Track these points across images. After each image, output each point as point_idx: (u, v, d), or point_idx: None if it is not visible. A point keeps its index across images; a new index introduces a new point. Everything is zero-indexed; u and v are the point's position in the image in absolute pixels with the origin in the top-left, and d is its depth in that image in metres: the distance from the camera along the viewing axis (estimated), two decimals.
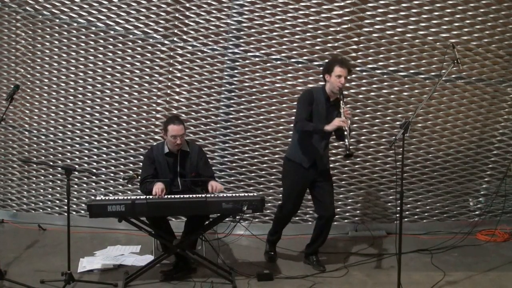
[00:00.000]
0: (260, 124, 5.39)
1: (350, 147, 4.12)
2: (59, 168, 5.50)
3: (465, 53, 5.23)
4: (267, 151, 5.42)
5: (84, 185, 5.72)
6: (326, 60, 4.72)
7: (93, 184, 5.70)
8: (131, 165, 5.56)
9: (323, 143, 4.44)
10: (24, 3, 5.42)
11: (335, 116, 4.27)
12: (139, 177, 4.42)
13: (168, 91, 5.43)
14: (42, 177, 5.78)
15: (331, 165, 5.42)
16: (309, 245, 4.64)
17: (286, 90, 5.31)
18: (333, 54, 5.14)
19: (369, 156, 5.46)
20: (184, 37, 5.29)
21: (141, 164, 5.40)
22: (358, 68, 5.27)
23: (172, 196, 4.09)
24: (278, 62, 5.24)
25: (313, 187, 4.50)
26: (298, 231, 5.42)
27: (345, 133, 4.13)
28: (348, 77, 4.53)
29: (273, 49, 5.23)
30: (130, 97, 5.48)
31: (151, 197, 4.03)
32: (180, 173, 4.41)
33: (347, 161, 5.45)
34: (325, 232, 4.54)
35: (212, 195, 4.16)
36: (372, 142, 5.43)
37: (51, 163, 5.62)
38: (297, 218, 5.48)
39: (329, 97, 4.35)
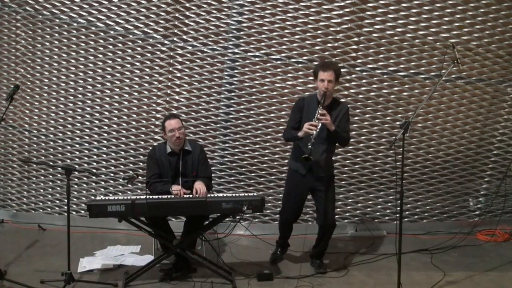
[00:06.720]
0: (260, 124, 5.39)
1: (310, 151, 3.96)
2: (59, 168, 5.50)
3: (465, 53, 5.23)
4: (267, 151, 5.42)
5: (84, 185, 5.72)
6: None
7: (93, 184, 5.70)
8: (131, 165, 5.56)
9: (321, 148, 4.28)
10: (24, 3, 5.42)
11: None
12: (145, 177, 4.41)
13: (168, 91, 5.43)
14: (42, 177, 5.78)
15: None
16: (313, 247, 4.63)
17: (286, 90, 5.31)
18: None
19: (369, 156, 5.46)
20: (184, 37, 5.29)
21: (141, 164, 5.45)
22: (358, 68, 5.27)
23: (172, 196, 4.10)
24: (278, 62, 5.24)
25: (314, 194, 4.46)
26: (298, 231, 5.37)
27: (311, 136, 3.99)
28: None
29: (273, 49, 5.23)
30: (130, 97, 5.48)
31: (151, 197, 4.03)
32: (181, 173, 4.41)
33: (347, 161, 5.45)
34: (325, 239, 4.50)
35: (212, 195, 4.16)
36: (372, 142, 5.43)
37: (51, 163, 5.61)
38: None
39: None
